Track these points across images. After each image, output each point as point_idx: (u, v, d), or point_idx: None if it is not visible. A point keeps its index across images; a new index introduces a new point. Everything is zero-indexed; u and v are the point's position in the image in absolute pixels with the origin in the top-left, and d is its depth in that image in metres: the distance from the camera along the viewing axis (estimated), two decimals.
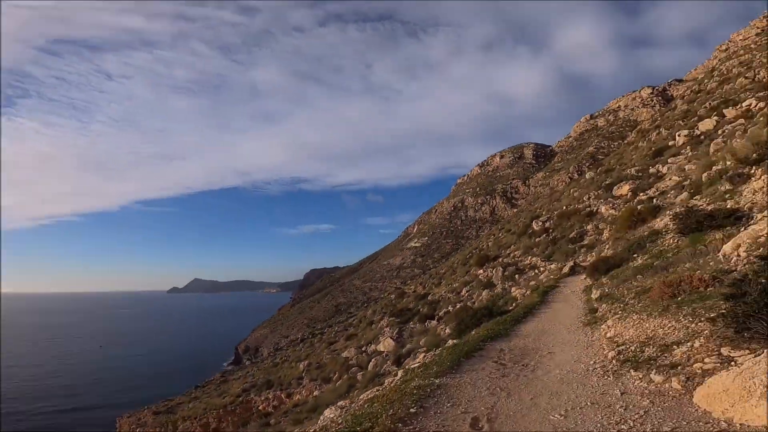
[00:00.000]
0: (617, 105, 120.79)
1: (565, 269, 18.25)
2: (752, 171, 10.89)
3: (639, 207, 15.51)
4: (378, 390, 6.92)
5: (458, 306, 24.30)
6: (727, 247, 7.84)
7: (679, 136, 28.59)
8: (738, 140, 14.93)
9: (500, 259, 30.23)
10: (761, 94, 25.13)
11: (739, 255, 7.49)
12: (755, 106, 24.13)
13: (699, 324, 5.77)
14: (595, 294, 11.21)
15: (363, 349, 29.18)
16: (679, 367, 4.96)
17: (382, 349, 25.11)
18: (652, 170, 26.73)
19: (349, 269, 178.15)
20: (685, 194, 14.36)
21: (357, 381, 18.65)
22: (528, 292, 17.16)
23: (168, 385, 60.01)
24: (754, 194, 9.72)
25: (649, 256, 11.74)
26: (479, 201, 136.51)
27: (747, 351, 4.45)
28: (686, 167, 19.92)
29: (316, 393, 22.12)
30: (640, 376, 5.16)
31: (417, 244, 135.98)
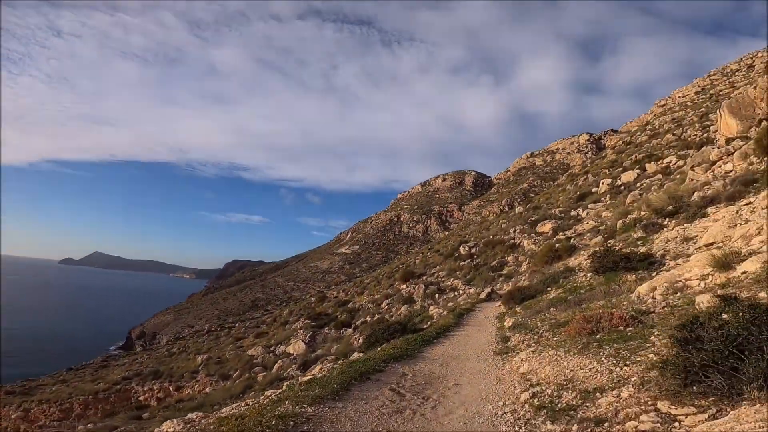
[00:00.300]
0: (556, 147, 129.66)
1: (483, 294, 18.47)
2: (665, 222, 11.64)
3: (557, 245, 16.15)
4: (243, 407, 5.91)
5: (376, 317, 23.81)
6: (642, 289, 7.96)
7: (602, 184, 30.70)
8: (654, 193, 16.05)
9: (424, 277, 30.37)
10: (682, 152, 27.39)
11: (654, 297, 7.54)
12: (674, 163, 26.35)
13: (624, 368, 5.15)
14: (508, 322, 11.10)
15: (272, 349, 27.66)
16: (605, 424, 4.11)
17: (291, 352, 23.86)
18: (573, 213, 28.37)
19: (274, 266, 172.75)
20: (599, 238, 15.11)
21: (256, 382, 17.34)
22: (444, 312, 17.07)
23: (42, 363, 53.04)
24: (666, 243, 10.27)
25: (562, 290, 11.98)
26: (415, 219, 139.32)
27: (693, 409, 3.74)
28: (603, 214, 21.19)
29: (208, 390, 20.30)
30: None
31: (347, 251, 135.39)
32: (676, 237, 10.39)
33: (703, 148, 19.88)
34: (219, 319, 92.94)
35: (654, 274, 8.95)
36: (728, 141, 21.31)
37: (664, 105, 73.51)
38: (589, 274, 12.01)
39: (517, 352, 7.83)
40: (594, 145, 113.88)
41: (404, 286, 26.75)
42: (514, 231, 31.23)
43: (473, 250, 31.59)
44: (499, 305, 15.55)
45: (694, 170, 15.20)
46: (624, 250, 11.63)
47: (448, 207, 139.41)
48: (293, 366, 17.10)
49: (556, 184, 61.57)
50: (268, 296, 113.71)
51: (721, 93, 48.13)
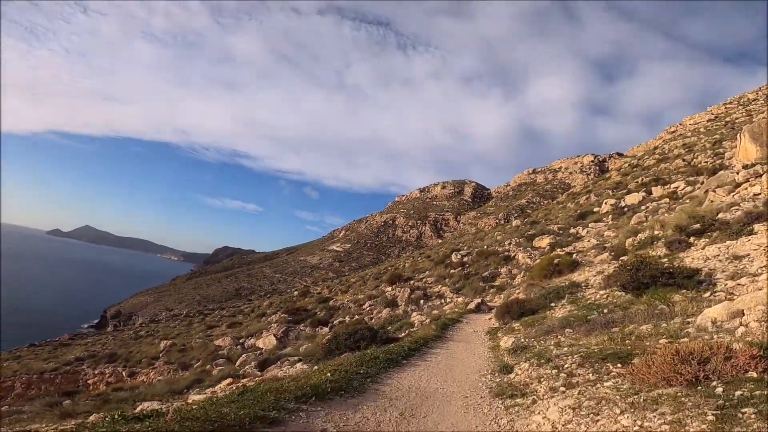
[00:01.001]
0: (559, 166, 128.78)
1: (472, 305, 17.03)
2: (691, 240, 10.23)
3: (557, 259, 14.77)
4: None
5: (356, 318, 22.33)
6: (716, 312, 5.85)
7: (605, 204, 29.45)
8: (665, 214, 14.76)
9: (412, 282, 28.94)
10: (691, 178, 26.24)
11: (747, 325, 5.39)
12: (682, 189, 25.20)
13: None
14: (505, 341, 8.96)
15: (242, 340, 26.10)
16: None
17: (261, 346, 22.32)
18: (572, 230, 27.04)
19: (263, 255, 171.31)
20: (605, 255, 13.76)
21: (210, 376, 15.81)
22: (427, 321, 15.42)
23: (9, 338, 50.93)
24: (707, 261, 8.77)
25: (575, 308, 10.24)
26: (410, 224, 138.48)
27: None
28: (605, 233, 19.91)
29: (160, 378, 18.75)
30: None
31: (339, 249, 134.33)
32: (719, 255, 8.91)
33: (720, 172, 18.62)
34: (200, 304, 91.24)
35: (707, 294, 7.37)
36: (745, 167, 20.05)
37: (674, 132, 72.59)
38: (602, 291, 10.34)
39: (535, 399, 5.16)
40: (597, 167, 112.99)
41: (390, 289, 25.29)
42: (510, 243, 29.82)
43: (465, 259, 30.15)
44: (490, 318, 13.88)
45: (715, 192, 13.92)
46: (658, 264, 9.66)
47: (445, 215, 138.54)
48: (252, 363, 15.60)
49: (555, 201, 60.42)
50: (253, 286, 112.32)
51: (737, 120, 46.98)
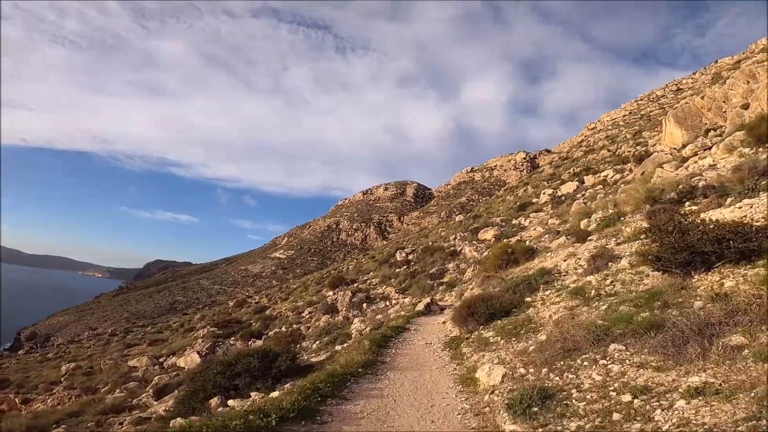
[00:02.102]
0: (495, 164, 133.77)
1: (420, 306, 15.33)
2: (688, 205, 9.35)
3: (510, 248, 13.74)
4: None
5: (293, 327, 20.27)
6: None
7: (543, 194, 29.88)
8: (612, 196, 14.41)
9: (356, 284, 27.31)
10: (618, 167, 27.43)
11: None
12: (611, 176, 26.19)
13: None
14: (489, 375, 5.49)
15: (161, 359, 22.97)
16: None
17: (182, 365, 19.54)
18: (515, 221, 27.01)
19: (200, 267, 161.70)
20: (562, 239, 12.99)
21: (93, 404, 13.05)
22: (367, 330, 13.02)
23: None
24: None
25: (579, 301, 7.24)
26: (354, 227, 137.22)
27: None
28: (549, 221, 19.67)
29: (62, 405, 15.62)
30: None
31: (282, 256, 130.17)
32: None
33: (654, 154, 18.91)
34: (128, 321, 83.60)
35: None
36: (672, 151, 20.68)
37: (593, 128, 77.53)
38: (624, 273, 7.35)
39: None
40: (529, 164, 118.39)
41: (332, 293, 23.48)
42: (455, 238, 29.19)
43: (410, 257, 29.06)
44: (445, 322, 11.20)
45: (662, 168, 13.73)
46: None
47: (388, 216, 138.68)
48: (151, 391, 13.14)
49: (494, 196, 61.74)
50: (190, 299, 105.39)
51: (651, 114, 50.55)
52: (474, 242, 24.44)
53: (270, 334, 19.17)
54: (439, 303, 15.02)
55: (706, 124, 21.46)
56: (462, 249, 24.12)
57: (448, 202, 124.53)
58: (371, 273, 29.97)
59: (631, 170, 27.25)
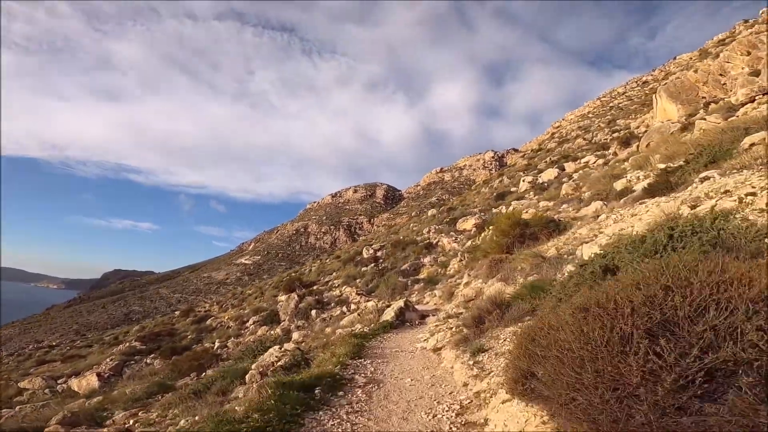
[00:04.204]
0: (464, 164, 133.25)
1: (390, 312, 10.16)
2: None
3: (522, 219, 10.32)
4: None
5: (231, 340, 16.52)
6: None
7: (523, 182, 27.58)
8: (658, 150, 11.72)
9: (315, 287, 23.70)
10: (599, 152, 25.64)
11: None
12: (594, 162, 24.16)
13: None
14: None
15: (61, 380, 18.53)
16: None
17: (77, 389, 15.43)
18: (495, 210, 24.33)
19: (161, 276, 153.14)
20: (598, 203, 9.91)
21: None
22: (282, 362, 6.52)
23: None
24: None
25: None
26: (323, 230, 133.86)
27: None
28: (542, 203, 16.90)
29: None
30: None
31: (248, 262, 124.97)
32: None
33: (657, 125, 16.48)
34: (77, 334, 76.71)
35: None
36: (680, 119, 18.53)
37: (558, 126, 77.43)
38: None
39: None
40: (497, 163, 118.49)
41: (284, 298, 19.85)
42: (428, 231, 26.16)
43: (379, 253, 25.79)
44: (438, 349, 6.69)
45: (705, 120, 11.19)
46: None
47: (358, 219, 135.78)
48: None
49: (468, 190, 59.70)
50: (147, 309, 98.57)
51: (621, 104, 49.78)
52: (452, 233, 21.48)
53: (198, 349, 15.31)
54: (418, 307, 11.13)
55: (704, 97, 19.39)
56: (439, 241, 21.08)
57: (418, 202, 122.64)
58: (334, 273, 26.46)
59: (615, 153, 25.32)
